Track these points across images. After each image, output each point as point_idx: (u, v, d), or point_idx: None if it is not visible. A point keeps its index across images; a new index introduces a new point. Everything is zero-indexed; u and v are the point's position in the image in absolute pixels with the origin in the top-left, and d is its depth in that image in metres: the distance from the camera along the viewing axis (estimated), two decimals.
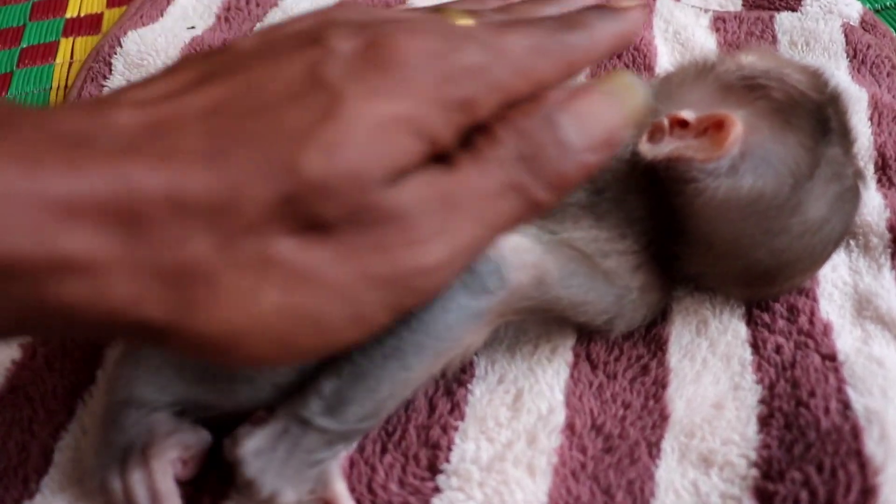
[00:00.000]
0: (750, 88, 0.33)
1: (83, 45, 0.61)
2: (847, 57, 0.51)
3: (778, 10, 0.56)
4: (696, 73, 0.35)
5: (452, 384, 0.34)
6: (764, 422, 0.32)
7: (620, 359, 0.35)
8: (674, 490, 0.31)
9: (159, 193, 0.19)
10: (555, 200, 0.22)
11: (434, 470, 0.32)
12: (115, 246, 0.19)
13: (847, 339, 0.35)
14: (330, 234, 0.20)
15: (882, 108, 0.45)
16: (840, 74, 0.48)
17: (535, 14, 0.27)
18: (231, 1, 0.61)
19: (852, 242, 0.39)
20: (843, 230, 0.35)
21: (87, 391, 0.36)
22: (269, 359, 0.21)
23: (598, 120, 0.23)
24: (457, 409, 0.34)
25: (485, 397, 0.34)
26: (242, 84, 0.21)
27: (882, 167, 0.43)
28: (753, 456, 0.31)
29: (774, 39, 0.53)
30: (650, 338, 0.36)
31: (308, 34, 0.22)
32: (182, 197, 0.19)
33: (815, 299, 0.37)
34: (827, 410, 0.32)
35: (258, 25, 0.57)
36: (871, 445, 0.30)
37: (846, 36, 0.52)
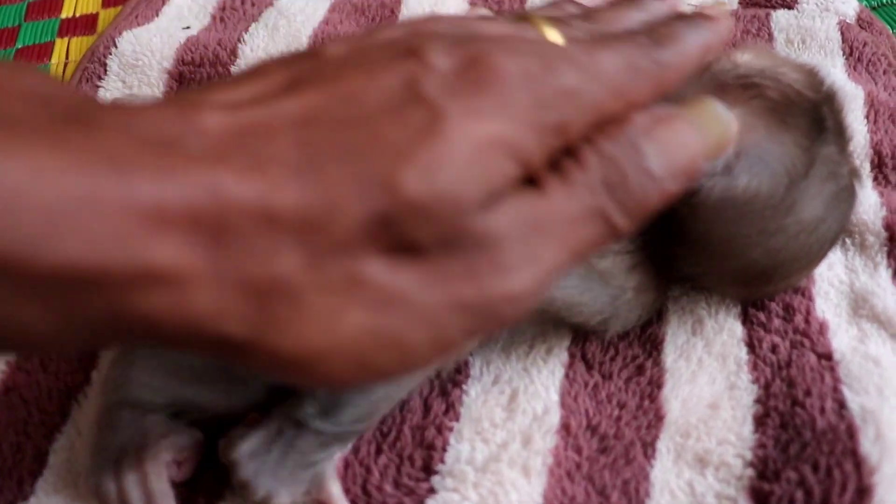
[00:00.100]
0: (745, 87, 0.33)
1: (78, 45, 0.61)
2: (843, 55, 0.50)
3: (774, 7, 0.56)
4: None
5: (447, 385, 0.34)
6: (759, 421, 0.32)
7: (616, 359, 0.35)
8: (669, 490, 0.31)
9: (250, 205, 0.18)
10: (633, 227, 0.22)
11: (429, 471, 0.32)
12: (201, 257, 0.18)
13: (843, 338, 0.35)
14: (420, 257, 0.19)
15: (878, 106, 0.45)
16: (836, 72, 0.48)
17: (622, 23, 0.26)
18: (226, 1, 0.61)
19: (848, 241, 0.39)
20: (838, 229, 0.35)
21: (82, 393, 0.36)
22: (347, 380, 0.20)
23: (681, 149, 0.22)
24: (452, 409, 0.33)
25: (480, 398, 0.34)
26: (335, 93, 0.20)
27: (878, 165, 0.43)
28: (749, 456, 0.31)
29: (770, 37, 0.53)
30: (646, 338, 0.36)
31: (403, 45, 0.21)
32: (272, 210, 0.18)
33: (810, 298, 0.37)
34: (823, 410, 0.32)
35: (254, 25, 0.57)
36: (867, 445, 0.30)
37: (842, 33, 0.52)
